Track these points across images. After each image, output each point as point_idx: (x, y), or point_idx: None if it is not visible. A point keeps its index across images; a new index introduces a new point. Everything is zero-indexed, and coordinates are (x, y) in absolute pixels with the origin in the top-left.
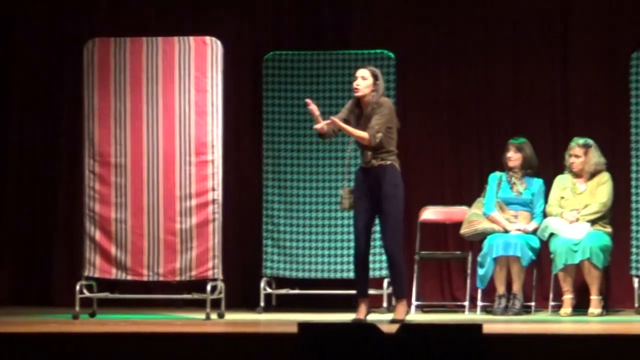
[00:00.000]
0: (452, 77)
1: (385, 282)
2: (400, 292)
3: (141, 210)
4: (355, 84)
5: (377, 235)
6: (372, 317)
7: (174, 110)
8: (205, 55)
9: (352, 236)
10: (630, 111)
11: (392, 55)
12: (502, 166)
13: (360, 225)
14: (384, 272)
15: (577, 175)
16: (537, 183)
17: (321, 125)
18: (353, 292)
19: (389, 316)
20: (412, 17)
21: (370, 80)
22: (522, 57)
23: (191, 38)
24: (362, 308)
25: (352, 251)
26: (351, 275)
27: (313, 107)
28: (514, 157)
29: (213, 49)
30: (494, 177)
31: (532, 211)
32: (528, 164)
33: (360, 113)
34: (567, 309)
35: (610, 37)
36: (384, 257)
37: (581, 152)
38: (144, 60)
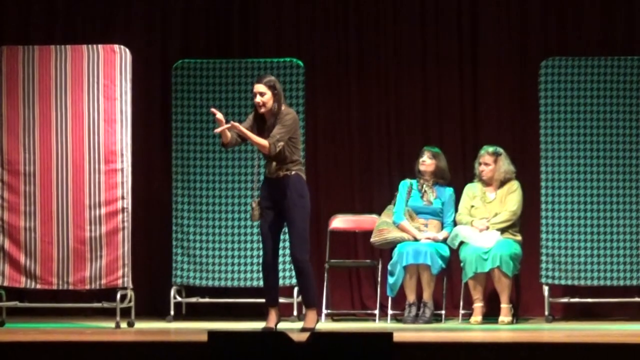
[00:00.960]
0: (361, 84)
1: (295, 291)
2: (310, 301)
3: (50, 218)
4: (255, 102)
5: (283, 244)
6: (283, 325)
7: (83, 119)
8: (114, 64)
9: (259, 244)
10: (539, 119)
11: (300, 63)
12: (413, 174)
13: (267, 234)
14: (294, 281)
15: (486, 183)
16: (448, 192)
17: (222, 128)
18: (263, 300)
19: (300, 324)
20: (320, 25)
21: (268, 93)
22: (432, 65)
23: (100, 46)
24: (272, 316)
25: (259, 259)
26: (260, 283)
27: (219, 116)
28: (427, 162)
29: (122, 57)
30: (405, 184)
31: (443, 220)
32: (441, 174)
33: (263, 124)
34: (477, 317)
35: (520, 45)
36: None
37: (491, 160)
38: (52, 69)
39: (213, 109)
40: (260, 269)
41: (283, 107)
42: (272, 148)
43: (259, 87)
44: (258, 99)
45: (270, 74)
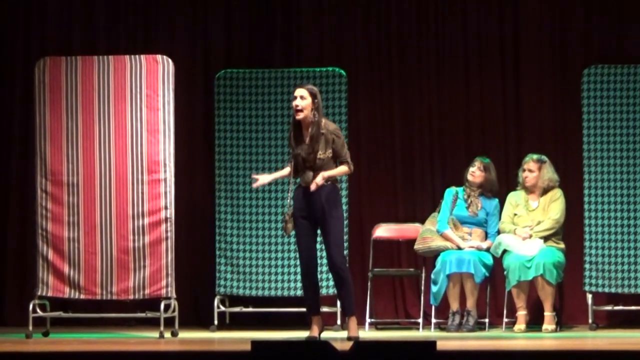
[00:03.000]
0: (403, 93)
1: (339, 300)
2: (353, 309)
3: (94, 228)
4: (294, 104)
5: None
6: (327, 334)
7: (125, 129)
8: (156, 74)
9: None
10: (582, 127)
11: (343, 72)
12: (456, 183)
13: (304, 244)
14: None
15: (529, 191)
16: (493, 203)
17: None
18: (305, 309)
19: (343, 333)
20: (363, 34)
21: (309, 99)
22: (475, 73)
23: (142, 56)
24: (316, 325)
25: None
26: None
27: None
28: (477, 173)
29: (164, 67)
30: (450, 192)
31: (487, 230)
32: (489, 186)
33: (300, 133)
34: (521, 325)
35: (562, 54)
36: None
37: (535, 167)
38: (95, 79)
39: (255, 179)
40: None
41: (324, 120)
42: (352, 168)
43: (301, 91)
44: (298, 101)
45: (313, 84)
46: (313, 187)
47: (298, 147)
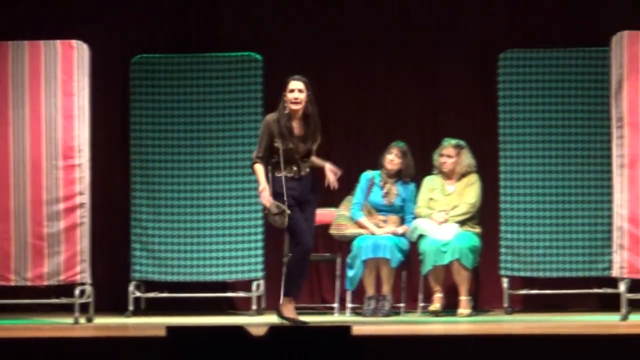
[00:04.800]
0: (320, 77)
1: (255, 285)
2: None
3: (8, 214)
4: (294, 97)
5: (248, 238)
6: (242, 319)
7: (40, 114)
8: (71, 59)
9: (220, 239)
10: (498, 111)
11: (259, 57)
12: (372, 165)
13: (304, 230)
14: (253, 275)
15: (446, 176)
16: (410, 188)
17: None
18: (222, 294)
19: (259, 319)
20: (282, 19)
21: (305, 92)
22: (392, 57)
23: (57, 42)
24: (292, 307)
25: (220, 254)
26: (220, 277)
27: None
28: (396, 161)
29: (79, 52)
30: (366, 176)
31: (403, 215)
32: (407, 172)
33: (290, 126)
34: (436, 304)
35: (479, 38)
36: (258, 259)
37: (454, 153)
38: (9, 65)
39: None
40: (219, 263)
41: (315, 113)
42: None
43: (299, 85)
44: (296, 94)
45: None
46: (336, 183)
47: (285, 140)
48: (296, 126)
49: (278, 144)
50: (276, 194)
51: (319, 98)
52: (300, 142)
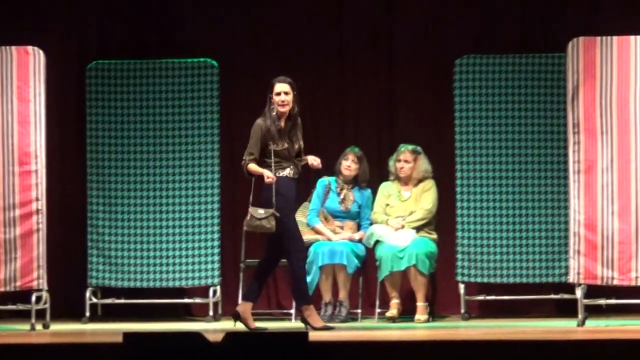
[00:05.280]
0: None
1: (212, 291)
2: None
3: None
4: (280, 99)
5: (205, 244)
6: (199, 325)
7: None
8: (27, 65)
9: (176, 245)
10: (454, 117)
11: (215, 63)
12: (329, 171)
13: (300, 232)
14: (209, 281)
15: (403, 182)
16: (366, 194)
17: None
18: (179, 300)
19: (216, 325)
20: (238, 25)
21: (291, 94)
22: (348, 64)
23: (13, 48)
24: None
25: (176, 260)
26: (176, 284)
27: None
28: (352, 167)
29: (35, 58)
30: (322, 182)
31: (359, 221)
32: (363, 178)
33: (280, 127)
34: (393, 310)
35: (436, 43)
36: (215, 265)
37: (411, 158)
38: None
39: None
40: (176, 269)
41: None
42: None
43: (284, 87)
44: (283, 97)
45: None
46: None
47: (278, 142)
48: (285, 127)
49: (272, 146)
50: (265, 199)
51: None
52: (292, 142)
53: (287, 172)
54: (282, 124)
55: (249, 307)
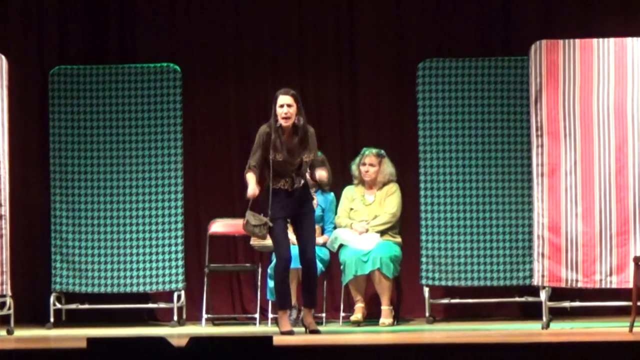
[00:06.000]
0: (239, 88)
1: (176, 296)
2: (315, 302)
3: None
4: (283, 112)
5: (169, 249)
6: (163, 330)
7: None
8: None
9: (140, 250)
10: (417, 121)
11: (177, 68)
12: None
13: (286, 243)
14: (174, 286)
15: (367, 185)
16: (329, 198)
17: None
18: (143, 305)
19: (181, 329)
20: (198, 29)
21: (294, 106)
22: (310, 68)
23: None
24: (287, 320)
25: (140, 265)
26: (140, 289)
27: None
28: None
29: None
30: None
31: (322, 225)
32: (326, 182)
33: (283, 138)
34: (357, 314)
35: (397, 47)
36: (179, 270)
37: (376, 162)
38: None
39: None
40: (140, 274)
41: (307, 126)
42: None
43: (286, 99)
44: (285, 110)
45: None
46: (327, 187)
47: (278, 152)
48: (288, 139)
49: (272, 155)
50: (261, 207)
51: (234, 109)
52: (294, 155)
53: (282, 184)
54: (287, 136)
55: (284, 315)
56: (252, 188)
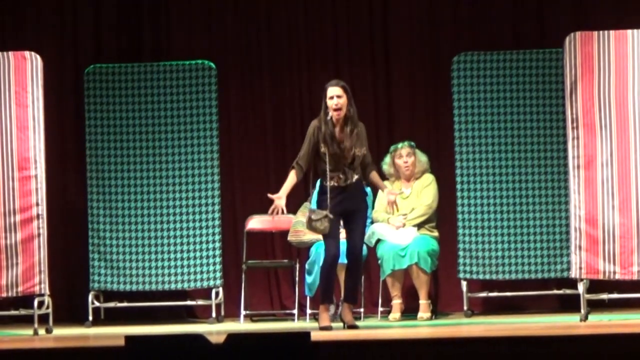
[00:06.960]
0: (274, 85)
1: (214, 293)
2: (357, 297)
3: None
4: (334, 104)
5: (206, 246)
6: (202, 327)
7: None
8: (25, 70)
9: (178, 247)
10: (453, 114)
11: (212, 65)
12: None
13: (336, 238)
14: (212, 283)
15: (404, 178)
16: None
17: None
18: (181, 303)
19: (219, 326)
20: (233, 26)
21: (344, 96)
22: (344, 64)
23: (10, 53)
24: (327, 314)
25: (178, 262)
26: (178, 286)
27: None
28: None
29: (33, 63)
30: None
31: None
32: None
33: (333, 131)
34: (395, 313)
35: (432, 41)
36: (217, 267)
37: (412, 152)
38: None
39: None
40: (178, 272)
41: (357, 120)
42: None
43: (336, 90)
44: (335, 101)
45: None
46: (396, 205)
47: (329, 146)
48: (340, 131)
49: (324, 149)
50: (321, 200)
51: (269, 106)
52: (346, 148)
53: (335, 180)
54: (339, 128)
55: (324, 311)
56: (280, 193)
